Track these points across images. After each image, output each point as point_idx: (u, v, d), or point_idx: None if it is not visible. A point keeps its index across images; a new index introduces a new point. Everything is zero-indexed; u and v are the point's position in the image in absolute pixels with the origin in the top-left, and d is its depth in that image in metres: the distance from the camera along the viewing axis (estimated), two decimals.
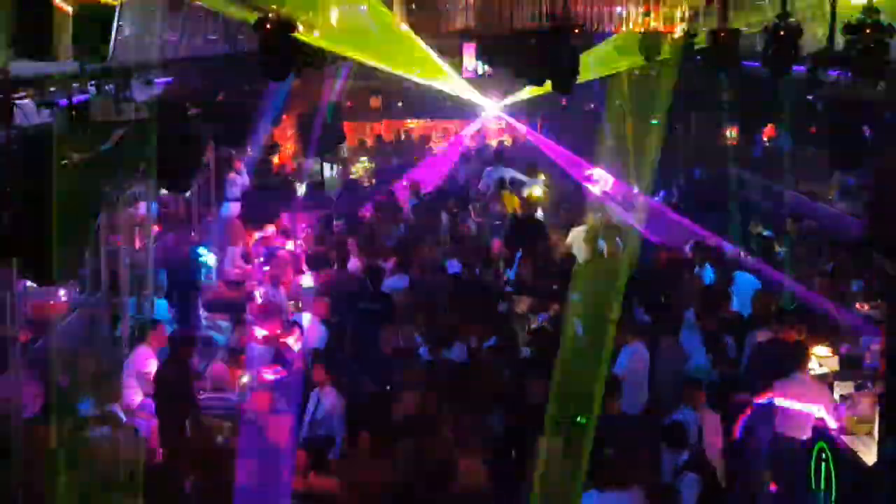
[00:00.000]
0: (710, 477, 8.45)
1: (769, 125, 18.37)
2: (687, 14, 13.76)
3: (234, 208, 16.33)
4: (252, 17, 8.59)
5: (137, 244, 12.07)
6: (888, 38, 7.97)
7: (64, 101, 6.60)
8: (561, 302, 11.88)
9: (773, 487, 9.14)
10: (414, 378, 9.47)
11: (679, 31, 13.39)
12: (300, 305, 12.32)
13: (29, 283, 8.18)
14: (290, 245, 14.68)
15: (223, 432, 9.13)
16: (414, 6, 26.30)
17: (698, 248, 13.53)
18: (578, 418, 9.23)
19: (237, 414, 9.42)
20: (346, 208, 16.88)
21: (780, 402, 9.24)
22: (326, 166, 19.83)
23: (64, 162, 5.45)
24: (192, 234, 14.81)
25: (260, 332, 11.02)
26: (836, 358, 10.36)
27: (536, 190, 17.70)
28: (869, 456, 8.77)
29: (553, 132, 21.11)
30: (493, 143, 23.79)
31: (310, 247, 14.77)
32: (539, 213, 16.92)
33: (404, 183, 18.44)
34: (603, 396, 9.19)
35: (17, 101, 5.90)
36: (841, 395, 9.69)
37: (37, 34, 5.81)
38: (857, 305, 11.47)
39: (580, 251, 13.96)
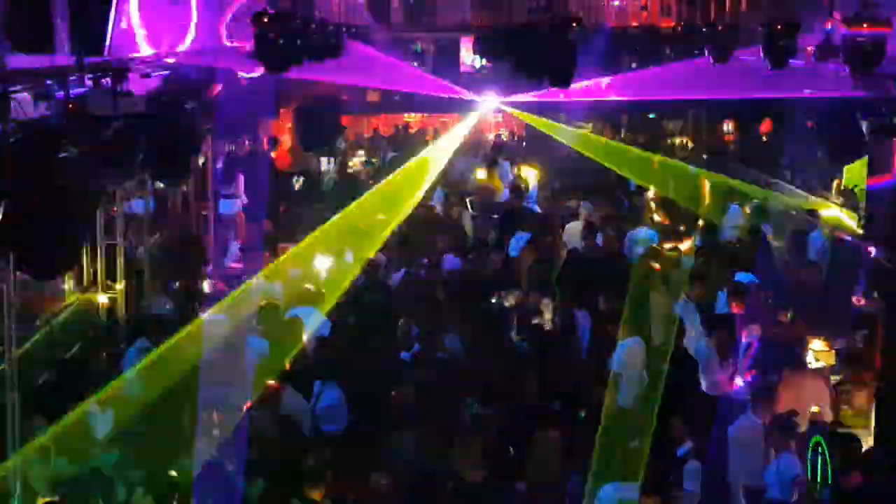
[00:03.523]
0: (712, 466, 8.47)
1: (767, 120, 18.45)
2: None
3: (233, 204, 16.34)
4: None
5: (134, 238, 12.05)
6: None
7: (61, 95, 6.59)
8: (558, 296, 11.91)
9: None
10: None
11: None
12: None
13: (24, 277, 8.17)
14: None
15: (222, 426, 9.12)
16: (412, 0, 26.33)
17: None
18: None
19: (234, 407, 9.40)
20: None
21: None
22: (323, 160, 19.81)
23: (61, 156, 5.44)
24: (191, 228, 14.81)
25: None
26: (833, 352, 10.39)
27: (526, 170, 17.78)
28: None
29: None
30: (491, 136, 23.82)
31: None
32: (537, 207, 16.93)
33: None
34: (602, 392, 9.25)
35: (14, 95, 5.89)
36: (837, 389, 9.72)
37: (34, 27, 5.80)
38: (854, 300, 11.50)
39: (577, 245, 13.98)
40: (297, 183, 18.77)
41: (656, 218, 15.50)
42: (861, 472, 7.86)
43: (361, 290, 11.97)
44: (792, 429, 8.53)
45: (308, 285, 11.88)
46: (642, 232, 14.15)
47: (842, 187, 14.04)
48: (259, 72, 10.95)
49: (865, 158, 9.76)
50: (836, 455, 8.19)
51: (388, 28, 23.03)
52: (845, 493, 7.83)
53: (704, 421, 8.96)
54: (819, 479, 8.47)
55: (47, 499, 7.26)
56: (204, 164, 14.53)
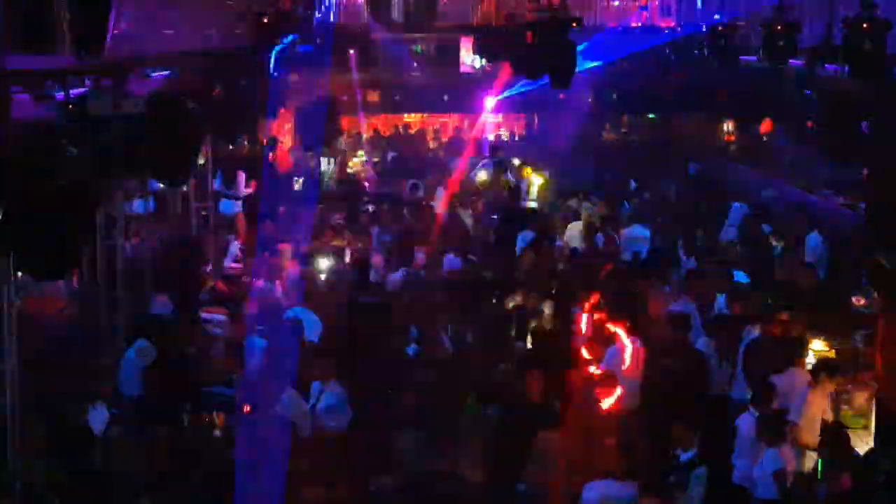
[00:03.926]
0: (718, 471, 8.47)
1: (767, 120, 18.44)
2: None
3: (233, 204, 16.34)
4: None
5: (135, 239, 12.06)
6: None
7: (61, 96, 6.59)
8: (559, 297, 11.90)
9: None
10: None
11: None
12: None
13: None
14: None
15: (221, 425, 9.13)
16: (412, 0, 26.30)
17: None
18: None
19: (234, 407, 9.41)
20: None
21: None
22: (323, 160, 19.81)
23: (61, 156, 5.44)
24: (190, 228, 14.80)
25: None
26: (833, 352, 10.38)
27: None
28: (865, 449, 8.79)
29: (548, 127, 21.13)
30: (490, 136, 23.82)
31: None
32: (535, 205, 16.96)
33: None
34: (598, 392, 9.25)
35: (14, 95, 5.89)
36: (836, 389, 9.71)
37: (34, 27, 5.81)
38: (854, 299, 11.50)
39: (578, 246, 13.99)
40: (297, 183, 18.76)
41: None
42: (859, 471, 7.86)
43: (361, 290, 11.98)
44: (782, 426, 8.51)
45: None
46: (637, 230, 14.16)
47: None
48: None
49: None
50: (833, 454, 8.20)
51: (388, 28, 23.04)
52: (843, 492, 7.84)
53: (707, 422, 8.96)
54: (819, 478, 8.49)
55: None
56: (204, 164, 14.53)
